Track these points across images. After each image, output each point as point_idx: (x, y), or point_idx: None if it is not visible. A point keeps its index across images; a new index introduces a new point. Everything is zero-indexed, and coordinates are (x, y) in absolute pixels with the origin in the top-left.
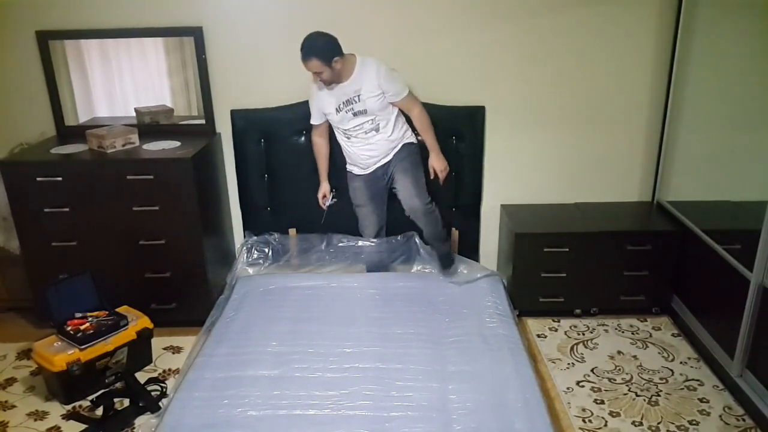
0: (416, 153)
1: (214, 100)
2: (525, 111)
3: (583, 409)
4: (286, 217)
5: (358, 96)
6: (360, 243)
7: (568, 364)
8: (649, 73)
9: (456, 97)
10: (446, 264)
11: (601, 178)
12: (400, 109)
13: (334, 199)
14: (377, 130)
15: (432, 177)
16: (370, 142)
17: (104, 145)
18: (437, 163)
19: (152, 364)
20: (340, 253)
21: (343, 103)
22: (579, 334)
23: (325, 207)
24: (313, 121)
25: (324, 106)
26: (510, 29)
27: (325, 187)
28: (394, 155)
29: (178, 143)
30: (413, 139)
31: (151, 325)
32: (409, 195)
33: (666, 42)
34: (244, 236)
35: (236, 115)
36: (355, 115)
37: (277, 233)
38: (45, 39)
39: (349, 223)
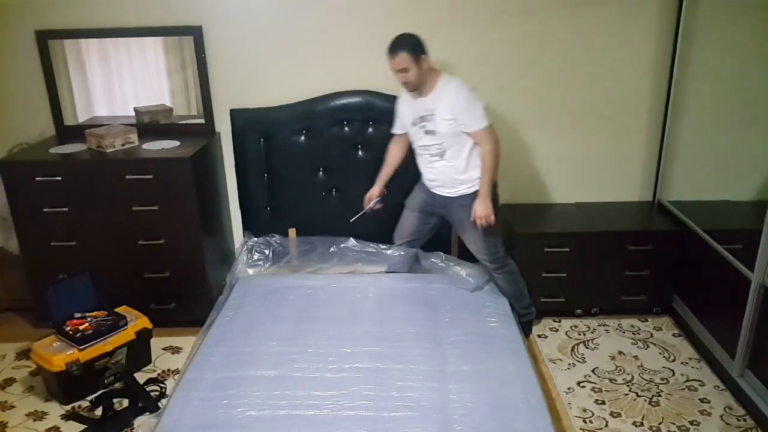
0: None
1: (213, 100)
2: (526, 111)
3: (584, 410)
4: (286, 217)
5: (432, 115)
6: (361, 247)
7: (569, 364)
8: (650, 73)
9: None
10: (524, 331)
11: (602, 177)
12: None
13: (378, 205)
14: (441, 156)
15: (470, 219)
16: (433, 166)
17: (103, 144)
18: (480, 209)
19: (151, 365)
20: (341, 255)
21: (419, 118)
22: (580, 335)
23: (366, 208)
24: (393, 130)
25: (404, 115)
26: (511, 29)
27: (374, 191)
28: (460, 198)
29: (177, 143)
30: None
31: (150, 326)
32: (476, 250)
33: (667, 42)
34: (244, 236)
35: (236, 115)
36: (426, 133)
37: (278, 235)
38: (44, 39)
39: (351, 225)
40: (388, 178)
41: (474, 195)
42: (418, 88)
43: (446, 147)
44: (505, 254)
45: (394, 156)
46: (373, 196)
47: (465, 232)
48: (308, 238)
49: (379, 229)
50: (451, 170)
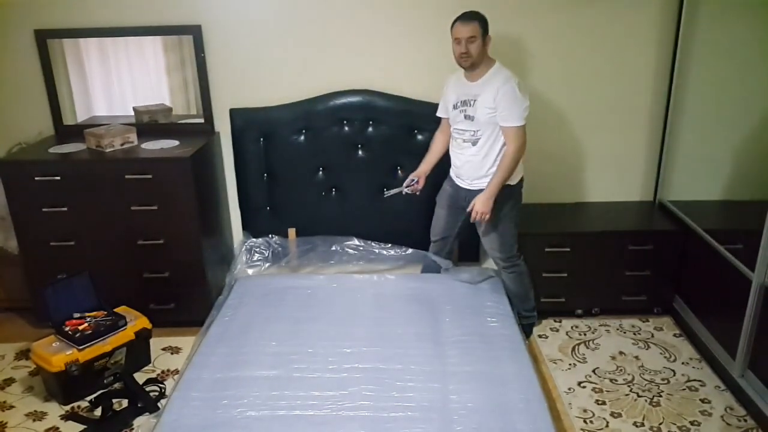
0: (509, 199)
1: (212, 99)
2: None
3: (585, 410)
4: (285, 217)
5: (474, 101)
6: (362, 247)
7: (570, 364)
8: (651, 73)
9: None
10: (525, 332)
11: (603, 177)
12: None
13: (415, 184)
14: (473, 143)
15: (468, 209)
16: (462, 152)
17: (102, 144)
18: (480, 204)
19: (151, 365)
20: (342, 254)
21: (461, 102)
22: (580, 335)
23: (403, 186)
24: (437, 113)
25: (448, 96)
26: (511, 29)
27: (415, 172)
28: (480, 191)
29: (176, 142)
30: (513, 180)
31: (149, 326)
32: (490, 246)
33: (668, 41)
34: (243, 236)
35: (235, 114)
36: (465, 117)
37: (277, 236)
38: (43, 38)
39: (351, 224)
40: (432, 164)
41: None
42: (473, 65)
43: (480, 135)
44: (518, 254)
45: (437, 144)
46: (412, 177)
47: (481, 226)
48: (309, 238)
49: (381, 228)
50: (479, 160)
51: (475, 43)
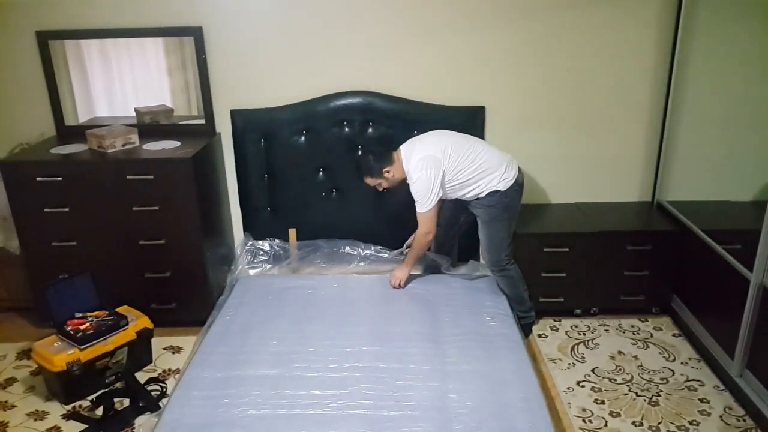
0: (500, 203)
1: (214, 100)
2: (525, 111)
3: (584, 409)
4: (286, 217)
5: None
6: (362, 248)
7: (569, 364)
8: (650, 73)
9: (456, 97)
10: (524, 332)
11: (602, 178)
12: (483, 164)
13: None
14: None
15: (481, 217)
16: None
17: (104, 145)
18: (397, 271)
19: (152, 364)
20: (342, 257)
21: None
22: (579, 334)
23: (405, 245)
24: None
25: None
26: (510, 30)
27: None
28: (475, 200)
29: (178, 143)
30: (501, 186)
31: (151, 325)
32: (482, 246)
33: (666, 42)
34: (244, 237)
35: (236, 115)
36: None
37: (278, 239)
38: (45, 39)
39: (352, 225)
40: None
41: (487, 196)
42: (401, 184)
43: (451, 196)
44: (509, 260)
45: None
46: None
47: (480, 231)
48: (309, 241)
49: (381, 228)
50: (468, 194)
51: (382, 184)
